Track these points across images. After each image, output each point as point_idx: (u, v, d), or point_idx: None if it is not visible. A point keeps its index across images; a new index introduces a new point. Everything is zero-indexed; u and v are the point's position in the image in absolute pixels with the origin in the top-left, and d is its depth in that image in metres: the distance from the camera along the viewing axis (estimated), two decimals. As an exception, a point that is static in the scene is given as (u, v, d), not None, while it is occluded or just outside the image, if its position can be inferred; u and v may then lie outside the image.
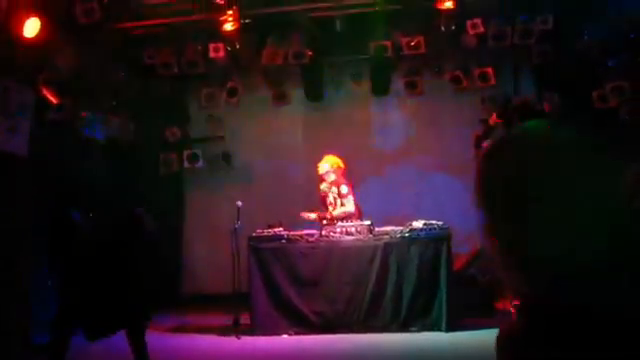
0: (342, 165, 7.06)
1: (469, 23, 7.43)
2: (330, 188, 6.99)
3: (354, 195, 7.00)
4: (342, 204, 6.90)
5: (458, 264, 7.15)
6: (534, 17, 7.42)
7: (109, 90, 8.34)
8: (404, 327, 6.31)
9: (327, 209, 6.98)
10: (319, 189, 7.17)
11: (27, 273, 6.54)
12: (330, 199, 7.00)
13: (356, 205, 7.00)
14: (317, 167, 7.08)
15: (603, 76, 7.79)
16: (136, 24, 7.79)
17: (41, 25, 6.44)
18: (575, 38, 7.72)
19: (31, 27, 6.39)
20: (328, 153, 9.10)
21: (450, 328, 6.20)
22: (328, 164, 7.00)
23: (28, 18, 6.35)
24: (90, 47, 7.49)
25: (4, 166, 6.56)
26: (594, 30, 7.60)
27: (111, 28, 7.60)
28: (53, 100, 7.33)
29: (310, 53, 7.98)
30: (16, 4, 6.05)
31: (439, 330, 6.23)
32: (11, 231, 6.46)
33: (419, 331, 6.26)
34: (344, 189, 6.92)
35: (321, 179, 7.09)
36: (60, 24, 6.80)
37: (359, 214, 6.99)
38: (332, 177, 6.96)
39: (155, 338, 6.66)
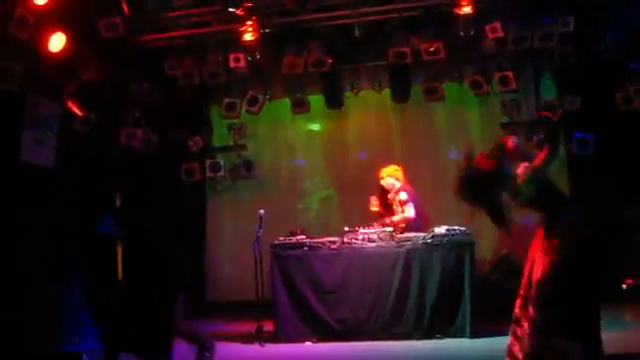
0: (400, 171, 7.16)
1: (488, 27, 7.38)
2: (395, 195, 7.05)
3: (417, 201, 7.03)
4: (402, 211, 6.94)
5: (482, 269, 7.11)
6: (555, 19, 7.36)
7: (132, 102, 8.48)
8: (428, 334, 6.29)
9: (391, 214, 7.05)
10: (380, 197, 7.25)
11: (56, 282, 6.67)
12: (394, 206, 7.08)
13: (421, 212, 7.02)
14: (380, 178, 7.17)
15: (626, 78, 7.70)
16: (158, 36, 7.91)
17: (66, 40, 6.59)
18: (597, 40, 7.64)
19: (56, 42, 6.54)
20: (348, 160, 9.19)
21: (475, 334, 6.16)
22: (391, 177, 7.12)
23: (53, 34, 6.50)
24: (113, 60, 7.64)
25: (31, 178, 6.72)
26: (616, 31, 7.52)
27: (133, 41, 7.74)
28: (78, 113, 7.48)
29: (330, 61, 8.01)
30: (42, 20, 6.18)
31: (463, 337, 6.19)
32: (41, 241, 6.60)
33: (443, 338, 6.23)
34: (403, 196, 6.96)
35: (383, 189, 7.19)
36: (84, 38, 6.94)
37: (422, 221, 6.97)
38: (397, 185, 7.07)
39: (178, 346, 6.76)
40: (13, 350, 5.84)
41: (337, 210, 9.35)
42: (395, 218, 6.95)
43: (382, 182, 7.17)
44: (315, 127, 9.58)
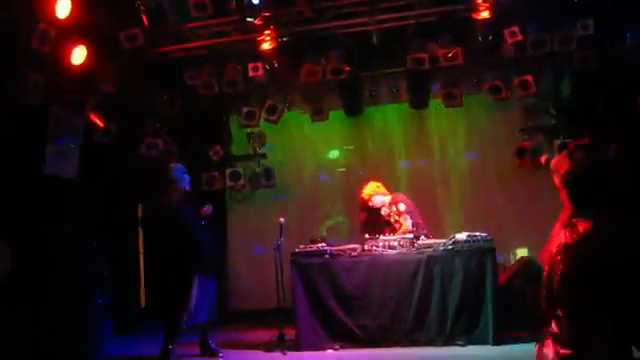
0: (382, 187, 7.11)
1: (507, 32, 7.35)
2: (390, 208, 7.00)
3: (412, 208, 6.99)
4: (400, 223, 6.92)
5: (503, 276, 7.04)
6: (574, 22, 7.31)
7: (152, 113, 8.58)
8: (450, 341, 6.23)
9: (391, 232, 6.95)
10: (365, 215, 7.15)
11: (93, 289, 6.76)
12: (392, 220, 7.01)
13: (417, 222, 6.95)
14: (367, 200, 7.08)
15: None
16: (177, 47, 8.01)
17: (87, 52, 6.70)
18: (617, 42, 7.57)
19: (78, 55, 6.65)
20: (368, 166, 9.16)
21: (497, 341, 6.10)
22: (378, 195, 7.03)
23: (75, 47, 6.61)
24: (134, 71, 7.74)
25: (56, 188, 6.82)
26: (636, 33, 7.43)
27: (153, 52, 7.84)
28: (100, 124, 7.59)
29: (348, 68, 8.03)
30: (63, 34, 6.29)
31: (486, 343, 6.13)
32: (67, 249, 6.69)
33: (465, 345, 6.18)
34: (402, 207, 6.92)
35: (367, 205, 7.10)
36: (105, 51, 7.05)
37: (419, 230, 6.87)
38: (386, 200, 7.01)
39: (197, 353, 6.80)
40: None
41: (355, 221, 9.35)
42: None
43: (371, 203, 7.05)
44: (334, 134, 9.58)
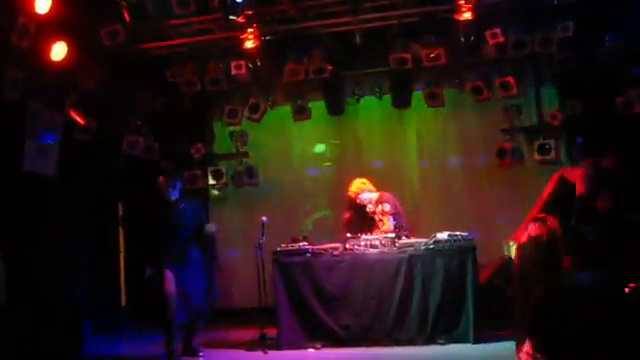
0: (368, 183, 7.11)
1: (488, 33, 7.40)
2: (376, 206, 7.00)
3: (398, 210, 7.00)
4: (382, 222, 6.93)
5: (483, 275, 7.09)
6: (554, 24, 7.39)
7: (134, 110, 8.50)
8: (431, 340, 6.28)
9: (373, 229, 6.96)
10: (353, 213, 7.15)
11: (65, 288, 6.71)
12: (376, 217, 7.02)
13: (400, 223, 6.97)
14: (353, 197, 7.08)
15: (627, 82, 7.72)
16: (159, 44, 7.94)
17: (68, 49, 6.62)
18: (596, 44, 7.66)
19: (58, 51, 6.56)
20: (351, 165, 9.18)
21: (478, 340, 6.15)
22: (366, 191, 7.05)
23: (55, 42, 6.53)
24: (115, 68, 7.67)
25: (35, 186, 6.74)
26: (615, 35, 7.53)
27: (135, 49, 7.77)
28: (80, 121, 7.50)
29: (330, 68, 8.03)
30: (44, 29, 6.21)
31: (466, 342, 6.18)
32: (47, 247, 6.62)
33: (446, 344, 6.22)
34: (387, 207, 6.94)
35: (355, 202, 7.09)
36: (86, 47, 6.97)
37: (402, 232, 6.89)
38: (374, 197, 7.02)
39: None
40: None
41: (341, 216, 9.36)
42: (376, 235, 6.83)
43: (359, 200, 7.07)
44: (317, 134, 9.58)
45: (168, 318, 6.03)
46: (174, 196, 6.31)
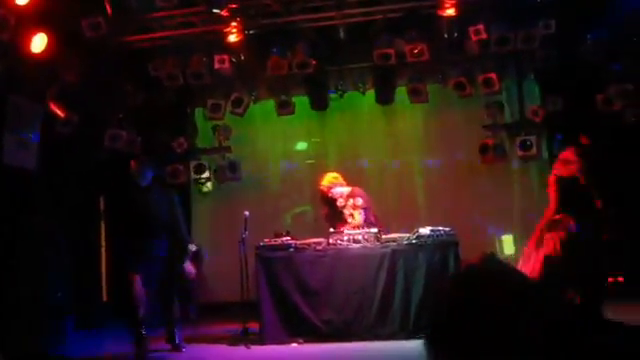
0: (340, 177, 7.12)
1: (472, 29, 7.44)
2: (347, 201, 7.00)
3: (369, 205, 7.01)
4: (352, 215, 6.93)
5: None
6: (537, 22, 7.45)
7: (116, 103, 8.42)
8: (413, 334, 6.29)
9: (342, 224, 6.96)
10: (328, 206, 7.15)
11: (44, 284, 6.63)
12: (346, 211, 7.01)
13: (371, 219, 6.99)
14: (325, 191, 7.08)
15: (607, 79, 7.81)
16: (141, 37, 7.87)
17: (48, 40, 6.53)
18: (578, 42, 7.74)
19: (38, 43, 6.47)
20: (333, 160, 9.19)
21: (459, 334, 6.18)
22: (338, 185, 7.03)
23: (35, 34, 6.44)
24: (96, 61, 7.58)
25: (15, 180, 6.65)
26: (597, 33, 7.61)
27: (117, 42, 7.69)
28: (61, 114, 7.41)
29: (314, 62, 8.02)
30: (23, 21, 6.12)
31: (448, 336, 6.21)
32: (28, 242, 6.54)
33: (428, 338, 6.25)
34: (359, 201, 6.93)
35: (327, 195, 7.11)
36: (67, 39, 6.88)
37: (372, 224, 6.90)
38: (345, 191, 7.02)
39: (166, 348, 6.73)
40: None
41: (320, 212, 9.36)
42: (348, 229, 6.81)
43: (330, 194, 7.04)
44: (300, 128, 9.56)
45: (137, 319, 6.04)
46: (145, 181, 6.28)
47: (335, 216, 7.03)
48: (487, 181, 8.85)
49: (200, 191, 9.63)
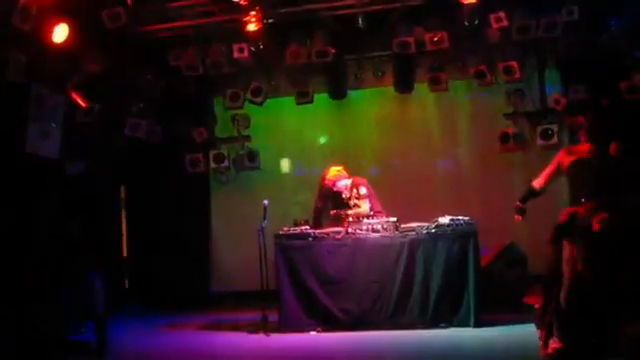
0: (343, 169, 7.14)
1: (492, 17, 7.35)
2: (351, 192, 7.02)
3: (371, 193, 7.02)
4: (358, 205, 6.94)
5: (485, 260, 7.11)
6: (559, 8, 7.33)
7: (136, 93, 8.48)
8: (432, 324, 6.30)
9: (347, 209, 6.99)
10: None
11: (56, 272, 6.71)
12: (351, 202, 7.03)
13: (376, 204, 6.99)
14: (330, 185, 7.09)
15: (631, 67, 7.68)
16: (161, 27, 7.90)
17: (69, 31, 6.59)
18: (601, 29, 7.61)
19: (60, 33, 6.54)
20: (352, 149, 9.17)
21: (478, 324, 6.18)
22: (343, 178, 7.04)
23: (57, 25, 6.50)
24: (117, 51, 7.64)
25: (38, 169, 6.75)
26: (620, 20, 7.48)
27: (137, 32, 7.73)
28: (82, 104, 7.49)
29: (333, 51, 7.99)
30: (45, 11, 6.18)
31: (467, 326, 6.21)
32: (44, 230, 6.63)
33: (447, 327, 6.25)
34: (363, 190, 6.95)
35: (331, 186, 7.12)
36: (87, 29, 6.94)
37: (377, 215, 6.90)
38: (348, 182, 7.04)
39: (186, 336, 6.82)
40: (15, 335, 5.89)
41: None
42: (350, 212, 6.87)
43: (335, 188, 7.05)
44: (319, 117, 9.54)
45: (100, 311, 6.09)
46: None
47: (336, 208, 7.05)
48: (507, 170, 8.76)
49: (219, 180, 9.68)
